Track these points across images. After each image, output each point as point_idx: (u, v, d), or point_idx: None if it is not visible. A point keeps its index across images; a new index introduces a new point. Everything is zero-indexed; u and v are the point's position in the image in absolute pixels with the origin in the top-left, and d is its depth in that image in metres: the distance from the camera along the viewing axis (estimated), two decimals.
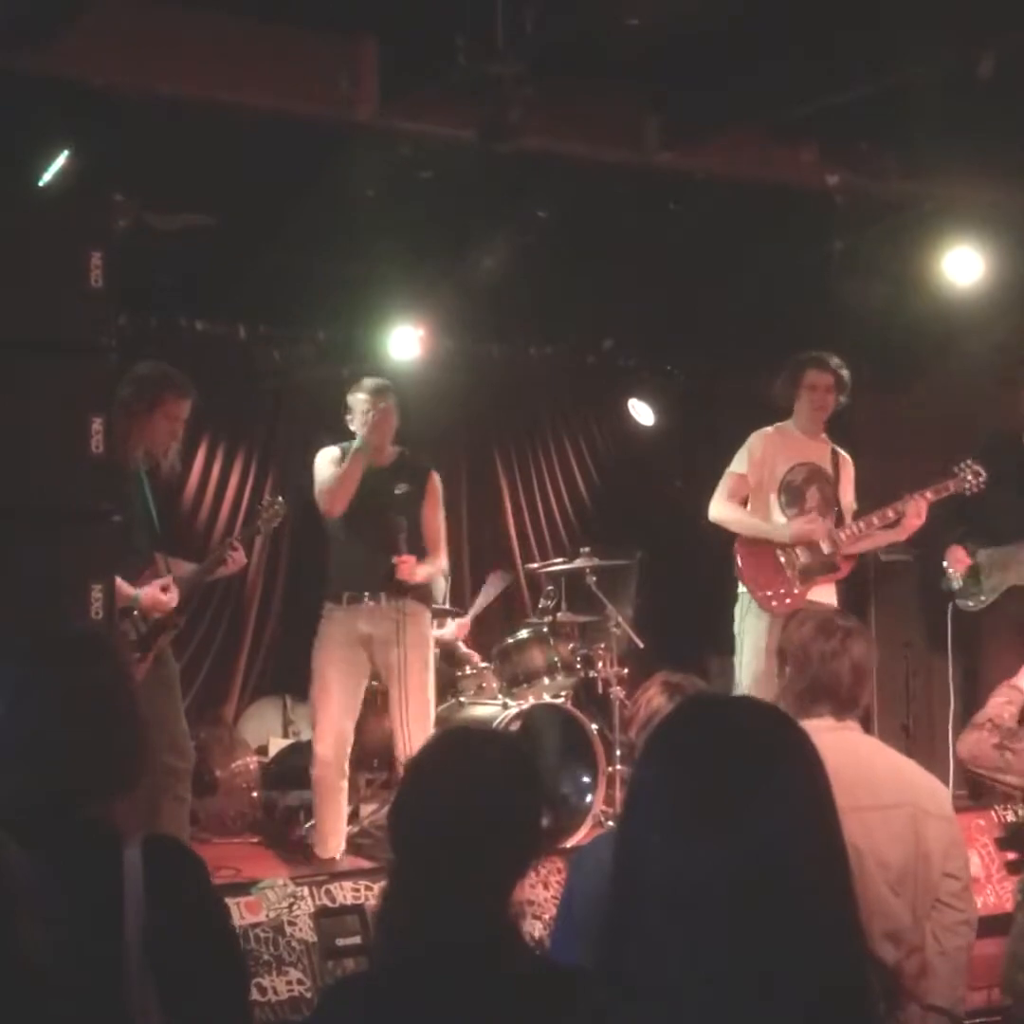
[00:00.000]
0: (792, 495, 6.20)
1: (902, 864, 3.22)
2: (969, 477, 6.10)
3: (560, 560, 7.52)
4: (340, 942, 4.47)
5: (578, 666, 6.91)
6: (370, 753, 6.53)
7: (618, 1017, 1.51)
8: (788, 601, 6.04)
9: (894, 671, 6.81)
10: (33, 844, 2.19)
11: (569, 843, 5.97)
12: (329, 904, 4.54)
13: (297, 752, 6.93)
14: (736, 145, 5.98)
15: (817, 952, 1.47)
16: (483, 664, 6.99)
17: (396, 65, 5.23)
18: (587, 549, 7.16)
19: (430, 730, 5.72)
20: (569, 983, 2.06)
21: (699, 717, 1.64)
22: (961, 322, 7.43)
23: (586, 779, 6.43)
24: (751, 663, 6.08)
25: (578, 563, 7.08)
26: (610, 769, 6.48)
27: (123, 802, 2.42)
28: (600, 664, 6.97)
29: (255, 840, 6.66)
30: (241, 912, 4.34)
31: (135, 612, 5.29)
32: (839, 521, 6.20)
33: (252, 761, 7.00)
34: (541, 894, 4.95)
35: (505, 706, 6.37)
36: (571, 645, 6.95)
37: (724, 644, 7.21)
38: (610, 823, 6.34)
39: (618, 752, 6.58)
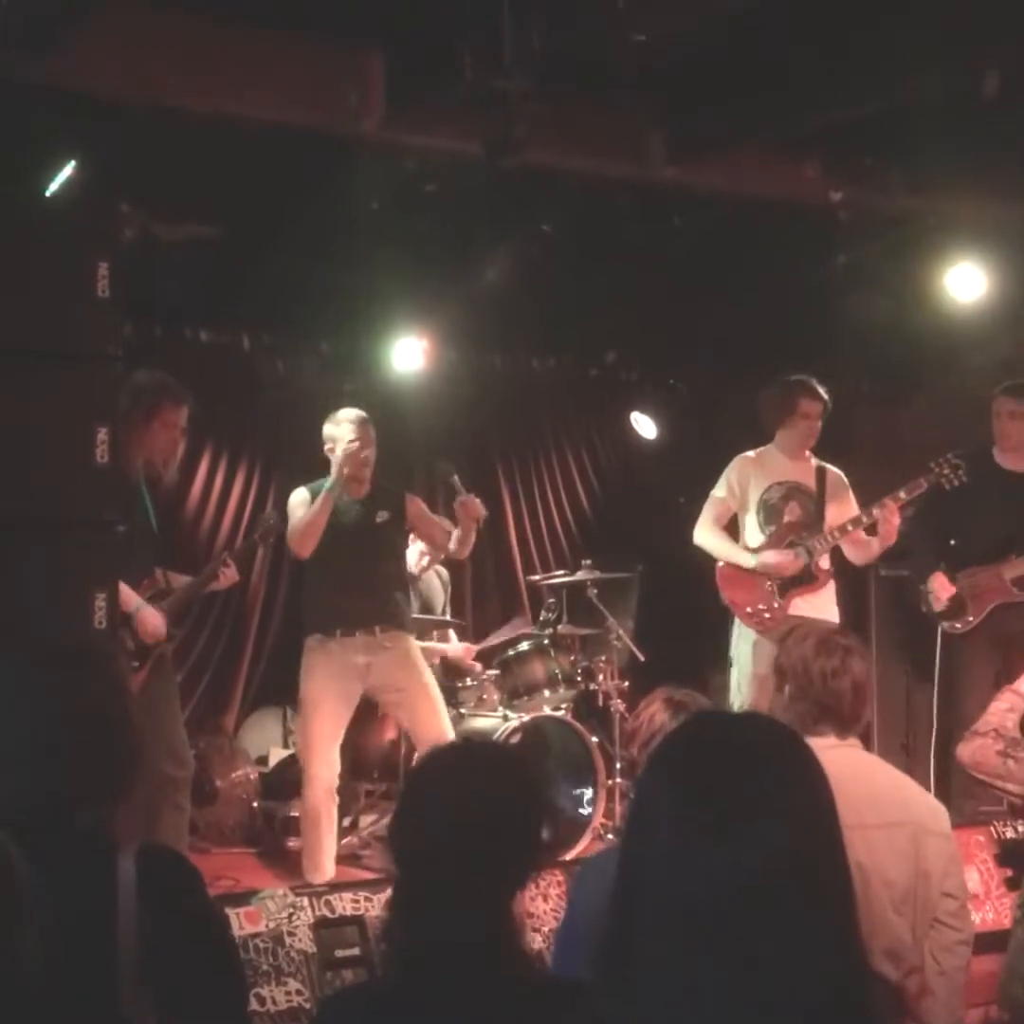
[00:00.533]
0: (769, 513, 6.33)
1: (905, 883, 3.22)
2: (946, 470, 6.11)
3: (561, 572, 7.52)
4: (339, 953, 4.46)
5: (579, 679, 6.91)
6: (370, 764, 6.54)
7: None
8: (768, 616, 6.18)
9: (894, 688, 6.81)
10: (28, 850, 2.20)
11: (568, 856, 5.97)
12: (329, 915, 4.53)
13: (297, 763, 6.93)
14: (740, 161, 6.00)
15: (819, 967, 1.47)
16: (486, 674, 6.97)
17: (402, 78, 5.25)
18: (588, 561, 7.17)
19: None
20: (569, 993, 2.06)
21: (706, 732, 1.64)
22: (963, 338, 7.45)
23: (586, 792, 6.43)
24: (742, 685, 6.26)
25: (579, 575, 7.09)
26: (610, 782, 6.48)
27: (120, 810, 2.43)
28: (601, 677, 6.97)
29: (254, 850, 6.66)
30: (240, 922, 4.33)
31: (130, 625, 5.30)
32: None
33: (252, 771, 7.00)
34: (541, 907, 4.94)
35: (505, 718, 6.37)
36: (572, 658, 6.95)
37: (724, 658, 7.22)
38: (610, 836, 6.35)
39: (618, 765, 6.58)
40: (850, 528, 6.18)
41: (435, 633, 7.38)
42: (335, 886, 4.72)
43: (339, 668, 5.81)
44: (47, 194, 5.12)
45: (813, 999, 1.46)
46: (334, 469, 5.83)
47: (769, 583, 6.20)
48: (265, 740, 7.61)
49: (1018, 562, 6.31)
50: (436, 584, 7.45)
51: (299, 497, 5.91)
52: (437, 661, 7.28)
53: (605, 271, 6.96)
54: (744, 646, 6.27)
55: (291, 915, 4.43)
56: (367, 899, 4.60)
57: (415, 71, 5.18)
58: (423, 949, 2.12)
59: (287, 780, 6.73)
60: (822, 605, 6.24)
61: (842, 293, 7.03)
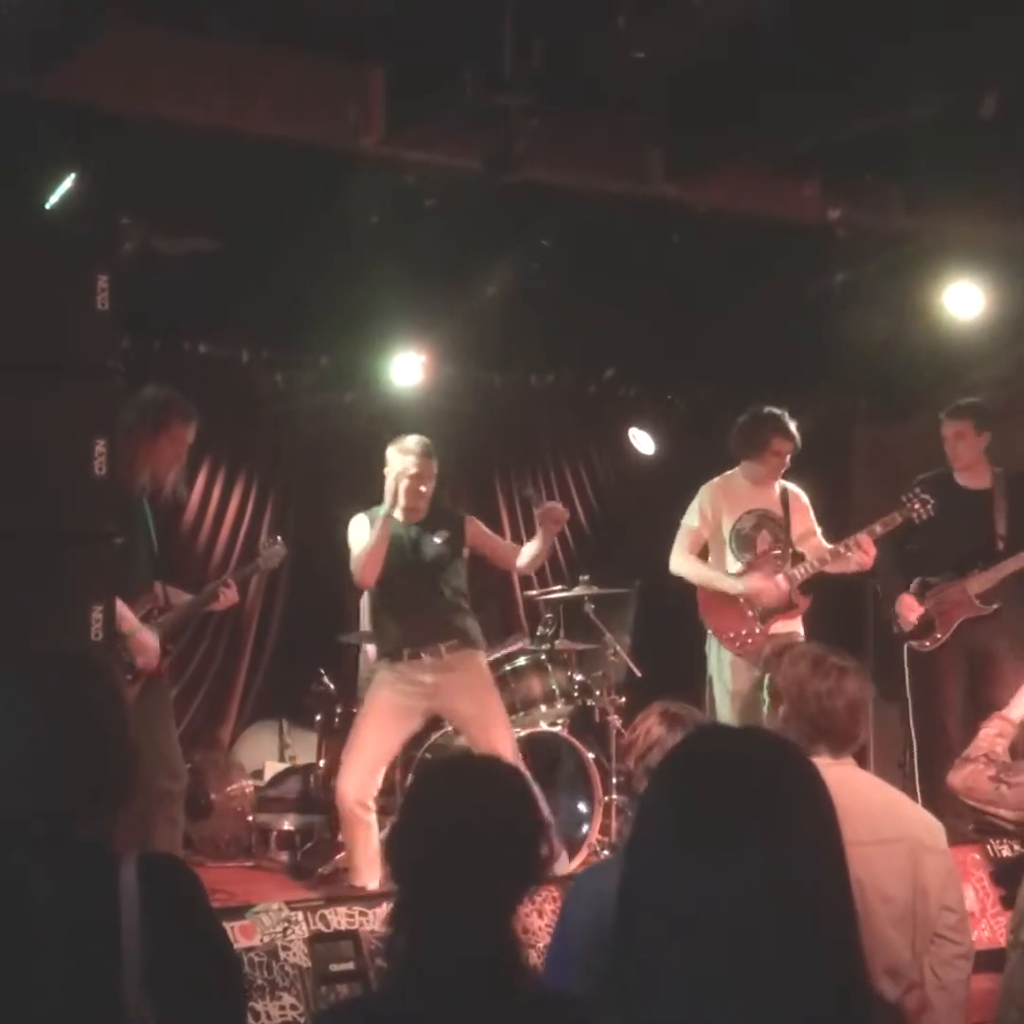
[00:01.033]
0: (743, 542, 6.42)
1: (904, 899, 3.22)
2: (916, 506, 6.26)
3: (559, 587, 7.51)
4: (334, 968, 4.45)
5: (575, 694, 6.90)
6: None
7: None
8: (750, 641, 6.27)
9: (890, 707, 6.81)
10: (29, 863, 2.20)
11: (565, 871, 5.95)
12: (323, 929, 4.52)
13: (293, 776, 6.93)
14: (739, 178, 6.03)
15: (820, 983, 1.47)
16: None
17: (403, 93, 5.27)
18: (586, 577, 7.17)
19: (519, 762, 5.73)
20: (566, 1007, 2.06)
21: (708, 747, 1.64)
22: (961, 356, 7.48)
23: (582, 808, 6.43)
24: (721, 703, 6.35)
25: (577, 591, 7.09)
26: (607, 798, 6.47)
27: (117, 822, 2.43)
28: (598, 692, 6.96)
29: (250, 864, 6.65)
30: (235, 936, 4.32)
31: (151, 622, 5.35)
32: (795, 559, 6.39)
33: (247, 785, 6.98)
34: (536, 922, 4.93)
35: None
36: (569, 673, 6.95)
37: None
38: (606, 852, 6.33)
39: (615, 781, 6.57)
40: (828, 559, 6.29)
41: None
42: (330, 900, 4.71)
43: (404, 684, 5.84)
44: (47, 207, 5.12)
45: (814, 1014, 1.46)
46: (387, 496, 5.83)
47: (751, 611, 6.29)
48: (261, 754, 7.60)
49: (981, 576, 6.41)
50: None
51: (359, 524, 5.91)
52: None
53: (604, 287, 6.97)
54: (723, 667, 6.36)
55: (286, 929, 4.42)
56: (362, 913, 4.59)
57: (415, 87, 5.20)
58: (421, 964, 2.12)
59: (282, 794, 6.73)
60: (793, 625, 6.38)
61: (840, 310, 7.04)
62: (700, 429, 8.72)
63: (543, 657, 6.87)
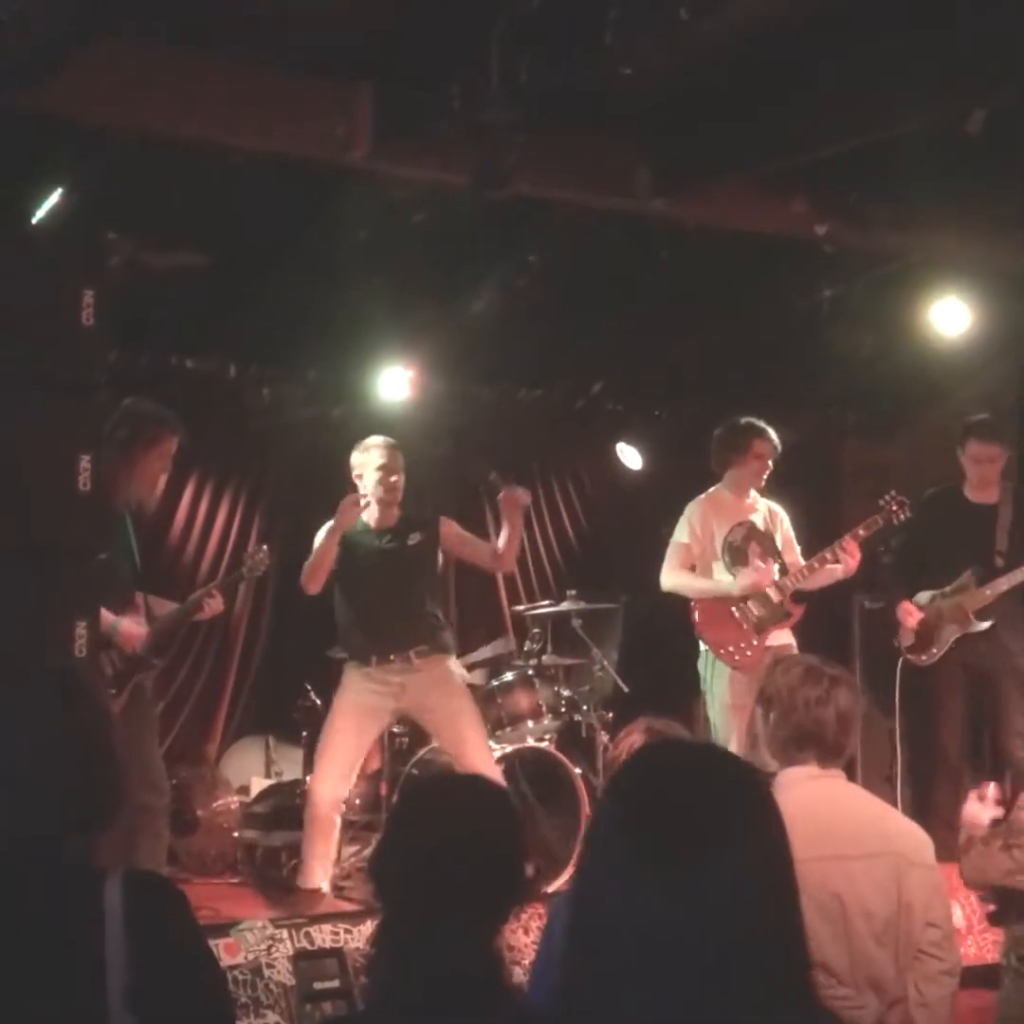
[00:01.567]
0: (735, 555, 6.45)
1: (886, 915, 3.21)
2: (894, 507, 6.31)
3: (546, 602, 7.50)
4: (318, 985, 4.44)
5: (563, 709, 6.88)
6: (351, 795, 6.50)
7: None
8: (749, 653, 6.30)
9: (878, 720, 6.81)
10: (13, 881, 2.19)
11: (550, 888, 5.94)
12: (308, 947, 4.52)
13: (279, 792, 6.89)
14: (728, 194, 6.03)
15: (765, 997, 1.46)
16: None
17: (391, 110, 5.26)
18: (573, 592, 7.16)
19: (492, 761, 5.91)
20: None
21: (659, 760, 1.64)
22: (948, 372, 7.50)
23: (569, 823, 6.41)
24: (720, 718, 6.37)
25: (564, 606, 7.08)
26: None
27: (102, 838, 2.42)
28: (585, 708, 6.95)
29: (235, 881, 6.61)
30: (219, 954, 4.31)
31: (112, 647, 5.29)
32: (782, 571, 6.44)
33: (233, 801, 6.95)
34: (521, 939, 4.93)
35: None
36: (556, 688, 6.94)
37: None
38: None
39: None
40: (816, 566, 6.36)
41: None
42: (315, 918, 4.70)
43: (372, 685, 5.87)
44: (34, 221, 5.12)
45: None
46: (368, 491, 5.88)
47: (745, 623, 6.31)
48: (247, 770, 7.57)
49: (978, 593, 6.38)
50: None
51: (323, 531, 5.95)
52: None
53: (591, 302, 6.98)
54: (719, 681, 6.37)
55: (270, 947, 4.41)
56: (347, 931, 4.59)
57: (403, 102, 5.20)
58: (405, 982, 2.12)
59: (269, 810, 6.69)
60: (786, 637, 6.41)
61: (828, 326, 7.06)
62: (688, 444, 8.73)
63: (530, 672, 6.86)
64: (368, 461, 5.95)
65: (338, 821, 5.85)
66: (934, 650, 6.47)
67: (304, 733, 6.78)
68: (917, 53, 4.88)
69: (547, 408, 8.67)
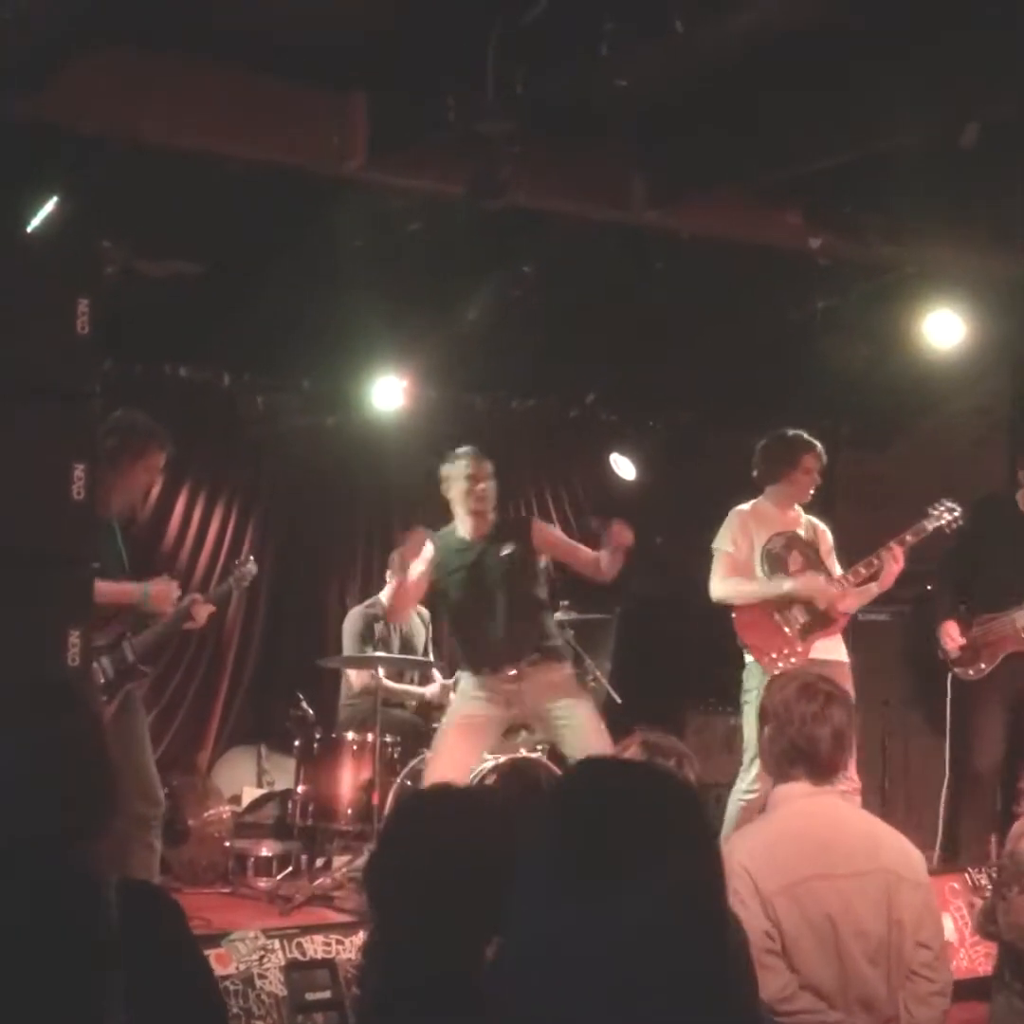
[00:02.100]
0: (774, 562, 6.23)
1: (878, 933, 3.20)
2: (945, 515, 6.09)
3: None
4: (310, 996, 4.42)
5: None
6: (343, 805, 6.50)
7: None
8: (793, 660, 6.01)
9: (871, 731, 6.81)
10: (9, 889, 2.18)
11: None
12: (300, 957, 4.50)
13: (270, 802, 6.89)
14: (722, 206, 6.04)
15: (696, 1015, 1.46)
16: None
17: (386, 120, 5.27)
18: (566, 603, 7.16)
19: None
20: None
21: (590, 780, 1.63)
22: (941, 384, 7.51)
23: None
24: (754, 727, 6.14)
25: (557, 617, 7.07)
26: None
27: (96, 848, 2.41)
28: None
29: (226, 890, 6.60)
30: (211, 964, 4.29)
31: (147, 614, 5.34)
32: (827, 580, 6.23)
33: (225, 810, 6.94)
34: None
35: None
36: None
37: (701, 700, 7.17)
38: None
39: None
40: (863, 571, 6.11)
41: (417, 674, 7.35)
42: (306, 929, 4.68)
43: (483, 693, 5.83)
44: (28, 230, 5.11)
45: None
46: (456, 504, 5.89)
47: (788, 628, 6.09)
48: (239, 779, 7.56)
49: None
50: (417, 623, 7.42)
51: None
52: (412, 703, 7.26)
53: (585, 312, 6.99)
54: (758, 687, 5.96)
55: (262, 957, 4.39)
56: (339, 942, 4.57)
57: (399, 112, 5.20)
58: (396, 993, 2.11)
59: (260, 820, 6.69)
60: (834, 646, 6.18)
61: (822, 338, 7.07)
62: (681, 454, 8.75)
63: None
64: (455, 472, 5.88)
65: None
66: (983, 666, 6.32)
67: (296, 743, 6.77)
68: (911, 66, 4.88)
69: (541, 418, 8.68)
